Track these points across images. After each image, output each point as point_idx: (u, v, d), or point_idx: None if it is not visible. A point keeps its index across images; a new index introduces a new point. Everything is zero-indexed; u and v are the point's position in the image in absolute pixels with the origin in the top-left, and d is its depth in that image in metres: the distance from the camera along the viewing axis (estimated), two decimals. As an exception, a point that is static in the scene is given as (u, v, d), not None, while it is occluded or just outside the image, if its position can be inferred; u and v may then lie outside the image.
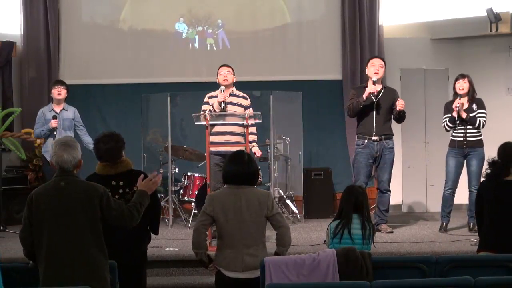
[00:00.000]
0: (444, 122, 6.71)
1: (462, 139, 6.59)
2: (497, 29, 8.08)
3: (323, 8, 8.77)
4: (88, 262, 3.50)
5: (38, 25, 8.51)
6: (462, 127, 6.58)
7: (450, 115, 6.62)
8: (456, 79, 6.69)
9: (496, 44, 8.52)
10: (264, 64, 8.68)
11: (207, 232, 4.04)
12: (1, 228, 7.05)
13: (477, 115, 6.56)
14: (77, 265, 3.47)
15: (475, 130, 6.59)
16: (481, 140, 6.60)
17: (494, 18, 8.01)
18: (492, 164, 4.54)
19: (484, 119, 6.58)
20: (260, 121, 6.38)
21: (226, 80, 6.59)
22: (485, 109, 6.61)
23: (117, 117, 8.62)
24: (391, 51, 8.58)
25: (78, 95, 8.47)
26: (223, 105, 6.46)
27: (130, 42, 8.71)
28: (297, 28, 8.76)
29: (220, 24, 8.74)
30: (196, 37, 8.74)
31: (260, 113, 6.29)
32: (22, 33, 8.52)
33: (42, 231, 3.50)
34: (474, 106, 6.59)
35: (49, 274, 3.46)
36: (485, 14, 8.05)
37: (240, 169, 3.97)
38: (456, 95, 6.64)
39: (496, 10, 8.01)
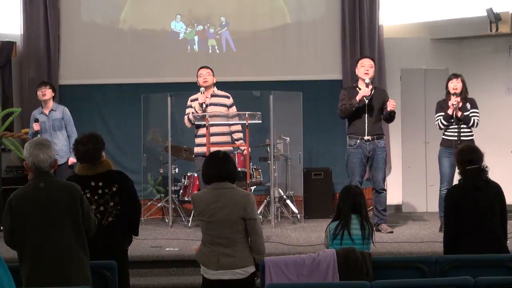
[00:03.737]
0: (437, 120, 6.73)
1: (456, 138, 6.60)
2: (497, 29, 8.08)
3: (323, 8, 8.77)
4: (72, 262, 3.51)
5: (38, 25, 8.50)
6: (456, 127, 6.60)
7: (443, 113, 6.64)
8: (449, 79, 6.72)
9: (496, 44, 8.51)
10: (264, 64, 8.67)
11: None
12: (1, 228, 7.05)
13: (470, 114, 6.60)
14: (62, 265, 3.48)
15: (468, 130, 6.64)
16: (473, 139, 6.62)
17: (494, 18, 8.01)
18: (468, 170, 4.37)
19: (478, 118, 6.64)
20: (260, 121, 6.39)
21: (206, 81, 6.70)
22: (478, 109, 6.67)
23: (117, 117, 8.62)
24: (391, 51, 8.58)
25: (78, 95, 8.49)
26: (204, 106, 6.53)
27: (130, 42, 8.71)
28: (297, 28, 8.75)
29: (223, 23, 8.74)
30: (196, 37, 8.74)
31: (260, 113, 6.31)
32: (22, 33, 8.52)
33: (25, 233, 3.50)
34: (468, 105, 6.64)
35: (34, 274, 3.46)
36: (485, 14, 8.05)
37: (216, 168, 4.00)
38: (448, 94, 6.67)
39: (496, 10, 8.01)
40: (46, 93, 7.11)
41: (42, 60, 8.49)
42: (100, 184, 4.15)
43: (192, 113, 6.57)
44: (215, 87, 6.80)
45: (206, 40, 8.74)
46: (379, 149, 6.71)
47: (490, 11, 7.99)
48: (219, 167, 4.00)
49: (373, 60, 6.86)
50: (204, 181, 4.12)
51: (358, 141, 6.68)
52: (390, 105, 6.57)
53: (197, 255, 4.03)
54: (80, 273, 3.52)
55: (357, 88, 6.69)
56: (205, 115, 6.38)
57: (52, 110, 7.14)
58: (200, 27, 8.74)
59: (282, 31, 8.75)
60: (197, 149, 6.74)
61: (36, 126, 6.92)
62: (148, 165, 8.16)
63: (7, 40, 8.32)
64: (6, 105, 8.10)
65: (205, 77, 6.69)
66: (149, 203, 8.01)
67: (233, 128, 6.75)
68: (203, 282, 4.02)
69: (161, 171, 8.01)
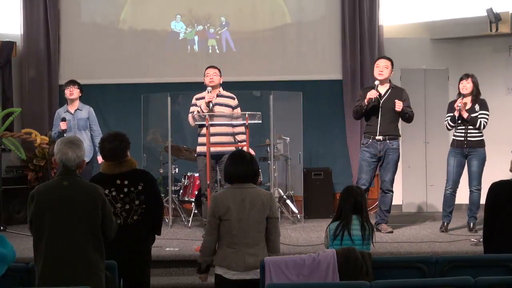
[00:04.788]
0: (446, 120, 6.73)
1: (463, 139, 6.59)
2: (497, 29, 8.08)
3: (323, 8, 8.77)
4: (85, 263, 3.49)
5: (38, 25, 8.51)
6: (463, 127, 6.58)
7: (452, 114, 6.63)
8: (461, 79, 6.70)
9: (496, 44, 8.51)
10: (264, 64, 8.67)
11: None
12: (1, 228, 7.05)
13: (478, 116, 6.56)
14: (74, 265, 3.46)
15: (476, 131, 6.59)
16: (482, 140, 6.60)
17: (494, 18, 8.01)
18: None
19: (486, 120, 6.57)
20: (260, 121, 6.39)
21: (213, 81, 6.65)
22: (487, 110, 6.61)
23: (117, 117, 8.62)
24: (391, 51, 8.55)
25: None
26: (211, 105, 6.51)
27: (130, 42, 8.71)
28: (297, 28, 8.76)
29: (223, 23, 8.74)
30: (196, 37, 8.74)
31: (260, 113, 6.30)
32: (22, 33, 8.53)
33: (41, 229, 3.49)
34: (477, 107, 6.59)
35: (46, 273, 3.45)
36: (485, 14, 8.05)
37: (243, 168, 3.98)
38: (460, 95, 6.64)
39: (496, 10, 8.01)
40: (74, 92, 7.13)
41: (42, 60, 8.50)
42: (126, 182, 4.13)
43: (198, 111, 6.53)
44: (221, 87, 6.78)
45: (206, 40, 8.74)
46: (390, 150, 6.70)
47: (490, 11, 7.99)
48: (247, 167, 3.99)
49: (390, 60, 6.83)
50: (226, 180, 4.08)
51: (370, 140, 6.70)
52: (396, 106, 6.59)
53: (217, 259, 3.96)
54: (92, 275, 3.49)
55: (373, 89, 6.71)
56: (211, 115, 6.36)
57: (78, 109, 7.15)
58: (200, 27, 8.74)
59: (282, 31, 8.75)
60: (199, 148, 6.68)
61: (63, 125, 6.92)
62: (148, 165, 8.14)
63: (7, 40, 8.33)
64: (6, 105, 8.10)
65: (212, 77, 6.66)
66: (149, 203, 8.01)
67: (237, 129, 6.66)
68: (220, 282, 3.95)
69: (161, 171, 8.01)
